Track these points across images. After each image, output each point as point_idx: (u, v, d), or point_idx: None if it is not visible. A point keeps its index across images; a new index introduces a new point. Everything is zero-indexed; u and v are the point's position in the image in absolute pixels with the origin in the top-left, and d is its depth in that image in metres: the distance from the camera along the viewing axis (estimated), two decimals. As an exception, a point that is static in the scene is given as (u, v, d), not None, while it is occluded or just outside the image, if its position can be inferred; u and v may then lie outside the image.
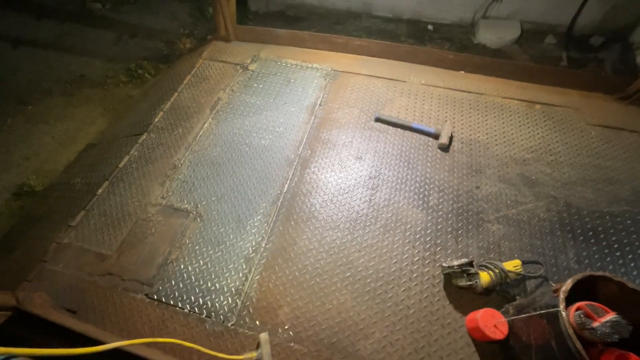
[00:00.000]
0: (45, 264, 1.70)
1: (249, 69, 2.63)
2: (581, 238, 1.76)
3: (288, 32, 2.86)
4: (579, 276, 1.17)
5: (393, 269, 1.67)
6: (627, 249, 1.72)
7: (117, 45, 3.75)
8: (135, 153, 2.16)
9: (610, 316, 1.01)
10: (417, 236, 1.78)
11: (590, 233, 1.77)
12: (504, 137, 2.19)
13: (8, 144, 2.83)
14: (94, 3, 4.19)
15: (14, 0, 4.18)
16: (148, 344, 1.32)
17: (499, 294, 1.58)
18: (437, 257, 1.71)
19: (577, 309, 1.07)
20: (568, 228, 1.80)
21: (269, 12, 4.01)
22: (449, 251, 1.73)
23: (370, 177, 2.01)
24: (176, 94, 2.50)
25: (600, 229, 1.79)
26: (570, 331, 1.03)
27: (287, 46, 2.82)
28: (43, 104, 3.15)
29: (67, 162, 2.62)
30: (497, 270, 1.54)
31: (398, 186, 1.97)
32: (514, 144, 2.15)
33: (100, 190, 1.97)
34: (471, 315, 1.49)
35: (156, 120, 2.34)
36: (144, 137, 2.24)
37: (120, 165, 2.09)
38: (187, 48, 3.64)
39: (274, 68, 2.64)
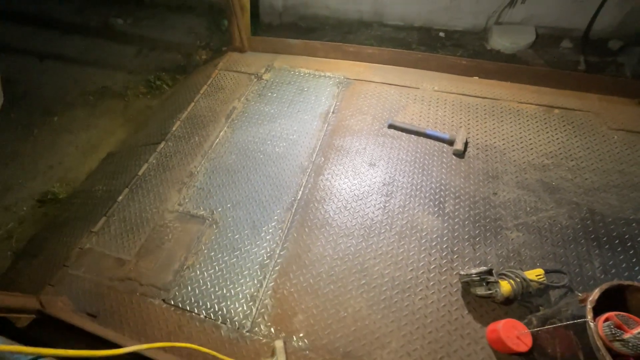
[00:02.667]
0: (68, 269, 1.75)
1: (263, 79, 2.69)
2: (607, 246, 1.69)
3: (301, 41, 2.92)
4: (606, 285, 1.12)
5: (409, 277, 1.64)
6: (657, 258, 1.64)
7: (137, 58, 3.90)
8: (154, 161, 2.22)
9: (643, 327, 0.96)
10: (433, 243, 1.74)
11: (617, 241, 1.70)
12: (521, 142, 2.14)
13: (34, 154, 2.96)
14: (116, 19, 4.40)
15: (40, 18, 4.44)
16: (165, 349, 1.34)
17: (521, 304, 1.53)
18: (454, 264, 1.67)
19: (606, 320, 1.02)
20: (592, 236, 1.73)
21: (282, 23, 4.11)
22: (467, 259, 1.69)
23: (384, 184, 1.99)
24: (193, 103, 2.58)
25: (626, 236, 1.71)
26: (600, 343, 0.98)
27: (300, 55, 2.87)
28: (67, 115, 3.29)
29: (90, 170, 2.71)
30: (518, 279, 1.49)
31: (413, 193, 1.95)
32: (532, 149, 2.11)
33: (120, 197, 2.03)
34: (492, 325, 1.45)
35: (174, 129, 2.41)
36: (162, 145, 2.31)
37: (140, 173, 2.15)
38: (203, 59, 3.76)
39: (287, 77, 2.69)
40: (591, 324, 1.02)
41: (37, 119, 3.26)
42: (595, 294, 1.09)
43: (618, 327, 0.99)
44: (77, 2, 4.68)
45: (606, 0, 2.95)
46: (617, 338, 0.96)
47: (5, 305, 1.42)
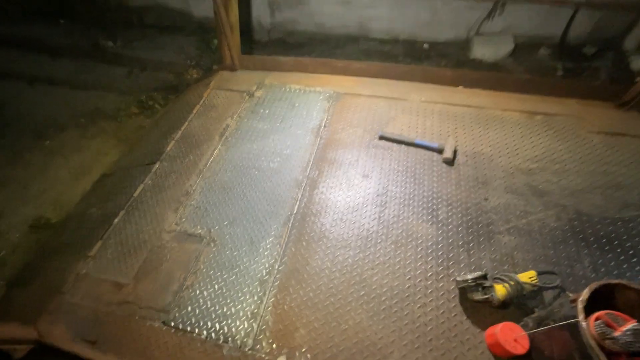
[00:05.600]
0: (64, 295, 1.73)
1: (254, 96, 2.75)
2: (595, 245, 1.75)
3: (290, 58, 3.00)
4: (595, 285, 1.16)
5: (407, 286, 1.67)
6: (643, 254, 1.70)
7: (129, 78, 3.93)
8: (149, 182, 2.23)
9: (631, 324, 1.00)
10: (429, 251, 1.78)
11: (604, 240, 1.77)
12: (507, 148, 2.22)
13: (26, 178, 2.93)
14: (106, 41, 4.44)
15: (29, 42, 4.45)
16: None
17: (517, 306, 1.57)
18: (451, 271, 1.71)
19: (597, 319, 1.06)
20: (581, 236, 1.80)
21: (270, 40, 4.21)
22: (462, 265, 1.73)
23: (378, 195, 2.04)
24: (186, 123, 2.61)
25: (613, 235, 1.78)
26: (592, 342, 1.02)
27: (290, 72, 2.94)
28: (59, 138, 3.29)
29: (83, 193, 2.70)
30: (512, 283, 1.53)
31: (406, 202, 1.99)
32: (518, 154, 2.18)
33: (116, 220, 2.03)
34: (490, 330, 1.48)
35: (168, 149, 2.43)
36: (156, 166, 2.32)
37: (135, 194, 2.15)
38: (194, 78, 3.81)
39: (278, 93, 2.75)
40: (583, 323, 1.06)
41: (28, 142, 3.24)
42: (585, 294, 1.14)
43: (608, 325, 1.03)
44: (65, 26, 4.71)
45: (576, 12, 3.13)
46: (608, 336, 1.00)
47: (1, 337, 1.40)
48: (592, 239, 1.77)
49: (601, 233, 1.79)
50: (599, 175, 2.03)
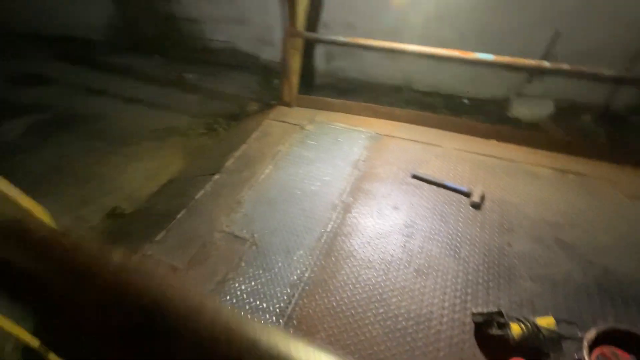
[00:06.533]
0: (131, 270, 2.08)
1: (305, 129, 3.17)
2: (621, 305, 1.75)
3: (339, 101, 3.44)
4: (603, 327, 1.24)
5: (424, 311, 1.79)
6: (674, 322, 1.67)
7: (200, 105, 4.66)
8: (209, 189, 2.64)
9: (627, 358, 1.07)
10: (448, 283, 1.90)
11: (631, 301, 1.76)
12: (535, 200, 2.33)
13: (108, 176, 3.54)
14: (187, 74, 5.35)
15: (131, 71, 5.50)
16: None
17: (532, 349, 1.60)
18: (467, 305, 1.80)
19: (598, 354, 1.14)
20: (606, 294, 1.81)
21: (322, 84, 4.78)
22: (480, 301, 1.81)
23: (405, 226, 2.23)
24: (245, 144, 3.07)
25: (640, 297, 1.77)
26: (593, 375, 1.10)
27: (338, 112, 3.36)
28: (138, 146, 3.94)
29: (151, 192, 3.20)
30: (528, 325, 1.60)
31: (431, 236, 2.15)
32: (546, 207, 2.28)
33: (179, 216, 2.42)
34: (502, 365, 1.53)
35: (228, 164, 2.86)
36: (216, 176, 2.75)
37: (197, 197, 2.56)
38: (254, 110, 4.41)
39: (326, 129, 3.14)
40: (586, 357, 1.14)
41: (114, 148, 3.93)
42: (591, 333, 1.22)
43: (608, 359, 1.11)
44: (158, 60, 5.77)
45: (621, 81, 3.25)
46: (607, 369, 1.08)
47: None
48: (617, 297, 1.78)
49: (629, 294, 1.79)
50: (630, 237, 2.05)
